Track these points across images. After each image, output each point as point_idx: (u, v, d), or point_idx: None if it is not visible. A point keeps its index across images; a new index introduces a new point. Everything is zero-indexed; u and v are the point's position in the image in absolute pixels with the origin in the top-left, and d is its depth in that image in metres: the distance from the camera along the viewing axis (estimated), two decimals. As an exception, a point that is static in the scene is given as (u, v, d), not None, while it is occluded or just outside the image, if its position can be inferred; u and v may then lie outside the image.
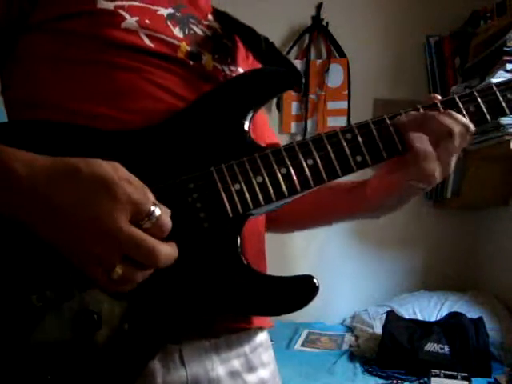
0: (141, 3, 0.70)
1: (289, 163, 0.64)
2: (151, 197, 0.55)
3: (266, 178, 0.63)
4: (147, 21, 0.69)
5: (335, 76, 2.76)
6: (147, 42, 0.69)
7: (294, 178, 0.64)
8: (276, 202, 0.64)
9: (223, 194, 0.62)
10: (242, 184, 0.62)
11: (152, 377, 0.64)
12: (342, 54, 2.77)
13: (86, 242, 0.52)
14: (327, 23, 2.77)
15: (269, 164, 0.64)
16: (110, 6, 0.68)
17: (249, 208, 0.62)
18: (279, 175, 0.63)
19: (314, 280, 0.63)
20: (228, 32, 0.80)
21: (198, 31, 0.76)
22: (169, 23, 0.72)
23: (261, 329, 0.79)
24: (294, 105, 2.78)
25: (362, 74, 2.73)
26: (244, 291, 0.63)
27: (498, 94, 0.69)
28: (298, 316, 2.61)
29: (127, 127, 0.65)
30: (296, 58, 2.77)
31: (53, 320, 0.58)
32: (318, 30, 2.77)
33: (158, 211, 0.53)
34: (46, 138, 0.62)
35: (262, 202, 0.63)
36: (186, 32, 0.74)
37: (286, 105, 2.78)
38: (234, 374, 0.72)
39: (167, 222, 0.54)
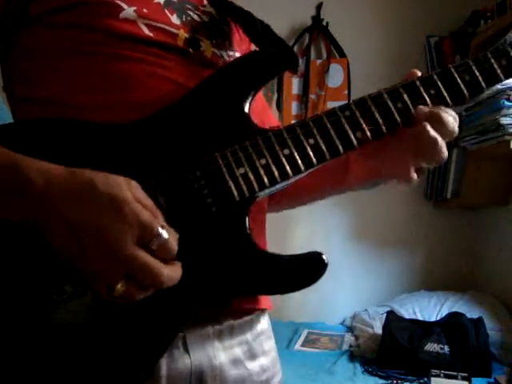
0: None
1: (291, 144, 0.65)
2: (161, 220, 0.55)
3: (270, 160, 0.64)
4: (145, 10, 0.69)
5: (335, 76, 2.76)
6: (146, 31, 0.69)
7: (297, 158, 0.65)
8: (281, 183, 0.65)
9: (228, 179, 0.63)
10: (247, 167, 0.64)
11: (157, 365, 0.65)
12: (342, 54, 2.77)
13: (91, 258, 0.53)
14: (327, 23, 2.77)
15: (271, 146, 0.65)
16: None
17: (254, 191, 0.64)
18: (282, 156, 0.65)
19: (323, 256, 0.64)
20: (223, 16, 0.80)
21: (195, 17, 0.76)
22: (166, 11, 0.72)
23: (263, 313, 0.80)
24: (294, 105, 2.78)
25: (362, 74, 2.73)
26: (255, 271, 0.64)
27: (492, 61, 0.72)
28: (298, 316, 2.62)
29: (129, 118, 0.65)
30: (296, 58, 2.77)
31: (72, 311, 0.59)
32: (318, 29, 2.78)
33: (165, 234, 0.54)
34: (54, 138, 0.63)
35: (267, 184, 0.64)
36: (184, 18, 0.73)
37: (286, 105, 2.78)
38: (236, 362, 0.73)
39: (173, 245, 0.55)
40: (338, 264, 2.73)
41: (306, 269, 0.65)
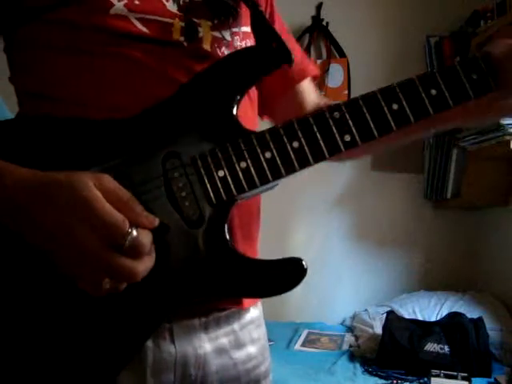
0: None
1: (273, 147, 0.63)
2: (137, 209, 0.56)
3: (250, 164, 0.62)
4: (136, 1, 0.67)
5: (335, 76, 2.75)
6: (139, 26, 0.67)
7: (279, 162, 0.63)
8: (261, 187, 0.64)
9: (207, 182, 0.62)
10: (226, 170, 0.62)
11: (144, 354, 0.67)
12: (342, 54, 2.76)
13: (69, 261, 0.55)
14: (327, 23, 2.77)
15: (252, 149, 0.63)
16: None
17: (232, 194, 0.63)
18: (263, 160, 0.63)
19: (303, 262, 0.63)
20: None
21: None
22: None
23: (253, 306, 0.80)
24: (294, 105, 2.78)
25: (362, 74, 2.73)
26: (233, 275, 0.64)
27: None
28: (298, 316, 2.62)
29: (121, 117, 0.64)
30: (296, 58, 2.77)
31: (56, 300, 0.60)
32: (318, 29, 2.77)
33: (134, 233, 0.54)
34: (47, 134, 0.64)
35: (246, 188, 0.63)
36: (181, 2, 0.71)
37: (286, 105, 2.77)
38: (221, 351, 0.74)
39: (145, 241, 0.55)
40: (338, 264, 2.73)
41: (286, 274, 0.64)
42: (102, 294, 0.55)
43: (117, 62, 0.67)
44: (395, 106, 0.65)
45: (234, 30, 0.75)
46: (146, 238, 0.56)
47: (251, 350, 0.78)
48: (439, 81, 0.67)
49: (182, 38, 0.69)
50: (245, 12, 0.77)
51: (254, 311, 0.81)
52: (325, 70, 2.75)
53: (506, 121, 2.02)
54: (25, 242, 0.57)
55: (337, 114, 0.64)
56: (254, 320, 0.80)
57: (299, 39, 2.77)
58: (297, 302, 2.60)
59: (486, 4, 2.37)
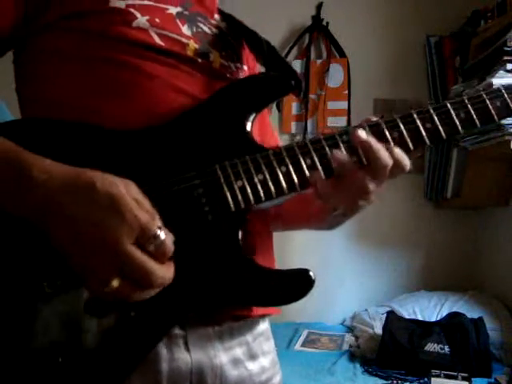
0: (150, 2, 0.72)
1: (288, 162, 0.67)
2: (158, 221, 0.56)
3: (267, 176, 0.66)
4: (157, 19, 0.71)
5: (335, 76, 2.76)
6: (157, 40, 0.70)
7: (293, 175, 0.67)
8: (276, 199, 0.67)
9: (226, 190, 0.65)
10: (245, 181, 0.66)
11: (158, 361, 0.67)
12: (342, 54, 2.77)
13: (88, 254, 0.54)
14: (327, 23, 2.77)
15: (270, 163, 0.67)
16: (122, 4, 0.69)
17: (250, 203, 0.65)
18: (279, 173, 0.66)
19: (310, 273, 0.67)
20: (233, 31, 0.82)
21: (206, 29, 0.78)
22: (178, 21, 0.74)
23: (262, 317, 0.81)
24: (295, 105, 2.78)
25: (362, 74, 2.73)
26: (243, 282, 0.66)
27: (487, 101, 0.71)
28: (298, 316, 2.62)
29: (137, 126, 0.67)
30: (296, 58, 2.77)
31: (61, 305, 0.61)
32: (318, 29, 2.77)
33: (162, 235, 0.55)
34: (59, 137, 0.65)
35: (263, 198, 0.66)
36: (194, 30, 0.75)
37: (286, 105, 2.78)
38: (236, 362, 0.74)
39: (170, 246, 0.56)
40: (339, 264, 2.73)
41: (294, 285, 0.67)
42: (107, 293, 0.54)
43: (132, 71, 0.69)
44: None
45: (238, 65, 0.81)
46: (171, 245, 0.56)
47: (264, 362, 0.79)
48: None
49: (195, 57, 0.74)
50: (246, 54, 0.84)
51: (263, 324, 0.82)
52: (325, 70, 2.76)
53: (506, 121, 2.02)
54: (43, 243, 0.57)
55: (345, 138, 0.68)
56: (264, 332, 0.81)
57: (299, 39, 2.77)
58: (297, 302, 2.59)
59: (486, 4, 2.37)
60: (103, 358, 0.62)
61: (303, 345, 2.33)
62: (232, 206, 0.65)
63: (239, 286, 0.66)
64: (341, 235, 2.75)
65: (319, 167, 0.67)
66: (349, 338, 2.35)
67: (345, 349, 2.24)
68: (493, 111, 0.71)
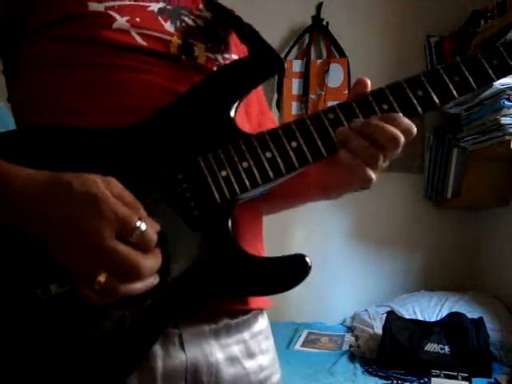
0: (131, 1, 0.72)
1: (273, 147, 0.65)
2: (141, 211, 0.57)
3: (252, 163, 0.65)
4: (137, 19, 0.71)
5: (335, 76, 2.75)
6: (139, 40, 0.70)
7: (279, 161, 0.65)
8: (263, 186, 0.66)
9: (210, 182, 0.64)
10: (228, 170, 0.64)
11: (153, 360, 0.67)
12: (342, 54, 2.76)
13: (73, 256, 0.55)
14: (327, 23, 2.77)
15: (253, 149, 0.65)
16: (101, 7, 0.70)
17: (236, 193, 0.64)
18: (264, 159, 0.65)
19: (307, 259, 0.66)
20: (219, 20, 0.81)
21: (190, 22, 0.77)
22: (159, 18, 0.74)
23: (261, 312, 0.81)
24: (294, 105, 2.78)
25: (362, 74, 2.71)
26: (237, 273, 0.65)
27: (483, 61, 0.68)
28: (298, 316, 2.62)
29: (122, 125, 0.67)
30: (296, 58, 2.77)
31: (58, 310, 0.60)
32: (318, 29, 2.77)
33: (143, 226, 0.55)
34: (52, 145, 0.65)
35: (249, 187, 0.65)
36: (178, 24, 0.75)
37: (286, 105, 2.77)
38: (233, 360, 0.74)
39: (152, 236, 0.57)
40: (338, 264, 2.73)
41: (290, 271, 0.65)
42: (96, 295, 0.54)
43: (116, 73, 0.69)
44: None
45: (226, 55, 0.79)
46: (153, 234, 0.57)
47: (262, 360, 0.78)
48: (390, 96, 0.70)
49: (179, 53, 0.73)
50: (235, 41, 0.82)
51: (262, 322, 0.81)
52: (325, 70, 2.76)
53: (506, 121, 2.02)
54: (30, 248, 0.58)
55: (331, 115, 0.67)
56: (263, 331, 0.81)
57: (299, 39, 2.77)
58: (297, 302, 2.59)
59: (486, 4, 2.37)
60: (103, 358, 0.61)
61: (303, 345, 2.32)
62: (217, 197, 0.64)
63: (234, 276, 0.65)
64: (341, 235, 2.75)
65: (305, 149, 0.65)
66: (349, 338, 2.35)
67: (345, 349, 2.23)
68: (489, 70, 0.68)
